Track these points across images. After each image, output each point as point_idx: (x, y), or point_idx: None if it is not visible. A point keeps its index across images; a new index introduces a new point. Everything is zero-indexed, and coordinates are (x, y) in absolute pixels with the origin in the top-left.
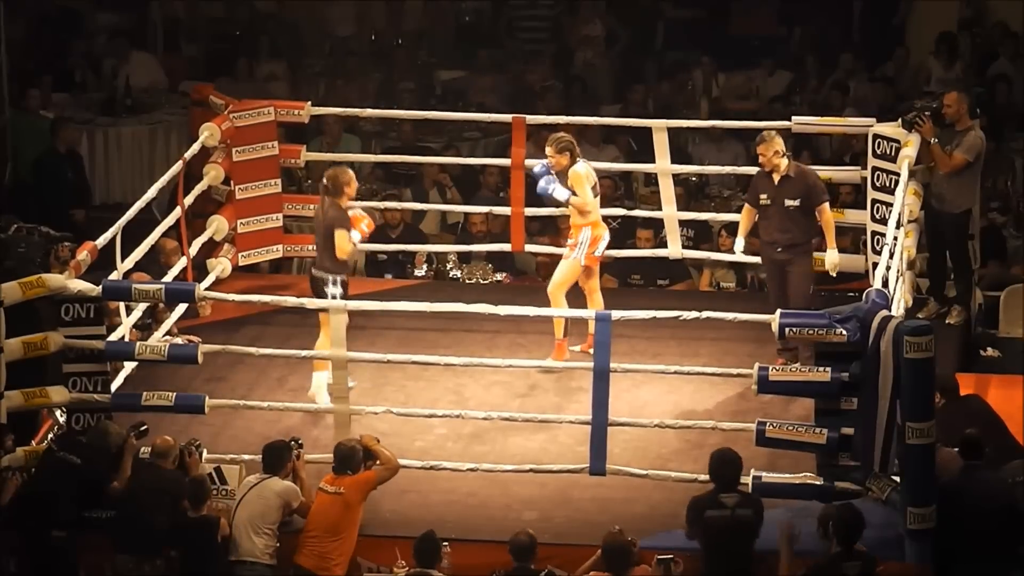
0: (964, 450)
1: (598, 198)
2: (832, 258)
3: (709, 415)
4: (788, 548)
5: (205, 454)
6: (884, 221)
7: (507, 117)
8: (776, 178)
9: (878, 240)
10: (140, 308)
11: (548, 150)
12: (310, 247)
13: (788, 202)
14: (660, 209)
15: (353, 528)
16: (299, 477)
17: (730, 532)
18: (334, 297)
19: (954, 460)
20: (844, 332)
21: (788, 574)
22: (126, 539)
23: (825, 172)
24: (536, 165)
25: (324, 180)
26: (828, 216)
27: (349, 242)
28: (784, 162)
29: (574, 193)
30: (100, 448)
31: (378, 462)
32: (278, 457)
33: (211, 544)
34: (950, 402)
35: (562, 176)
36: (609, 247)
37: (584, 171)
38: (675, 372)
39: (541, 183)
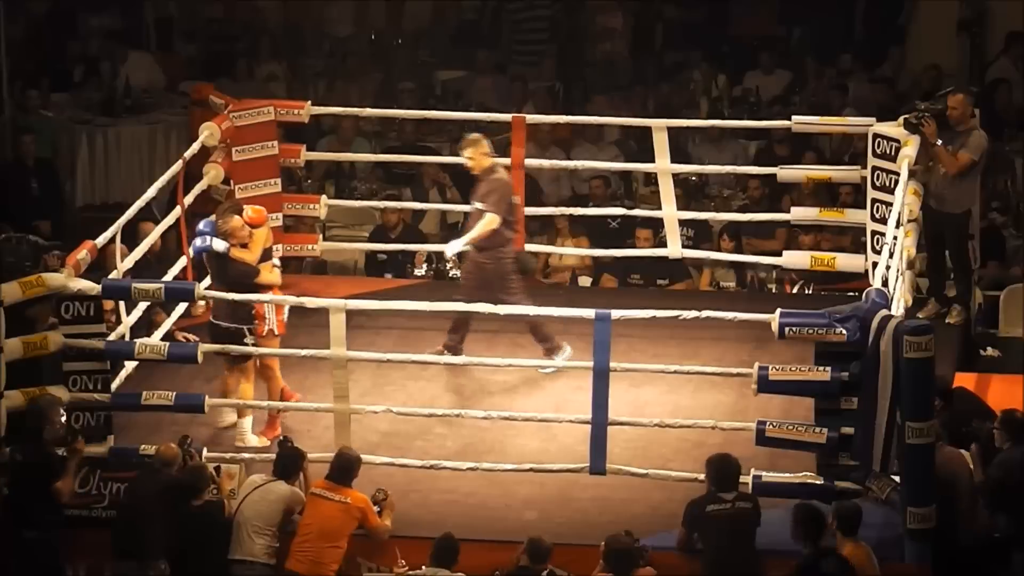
0: (1008, 428)
1: (276, 270)
2: (449, 250)
3: (709, 415)
4: None
5: (206, 452)
6: (884, 221)
7: (507, 117)
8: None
9: (878, 240)
10: (138, 311)
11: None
12: (310, 247)
13: (476, 203)
14: (660, 209)
15: (349, 538)
16: (307, 482)
17: (732, 524)
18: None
19: (957, 458)
20: (844, 332)
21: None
22: (128, 544)
23: (825, 172)
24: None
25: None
26: (483, 220)
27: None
28: (486, 163)
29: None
30: (40, 443)
31: (382, 512)
32: (290, 464)
33: (216, 531)
34: (947, 403)
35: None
36: (608, 247)
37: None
38: (675, 372)
39: (196, 241)
